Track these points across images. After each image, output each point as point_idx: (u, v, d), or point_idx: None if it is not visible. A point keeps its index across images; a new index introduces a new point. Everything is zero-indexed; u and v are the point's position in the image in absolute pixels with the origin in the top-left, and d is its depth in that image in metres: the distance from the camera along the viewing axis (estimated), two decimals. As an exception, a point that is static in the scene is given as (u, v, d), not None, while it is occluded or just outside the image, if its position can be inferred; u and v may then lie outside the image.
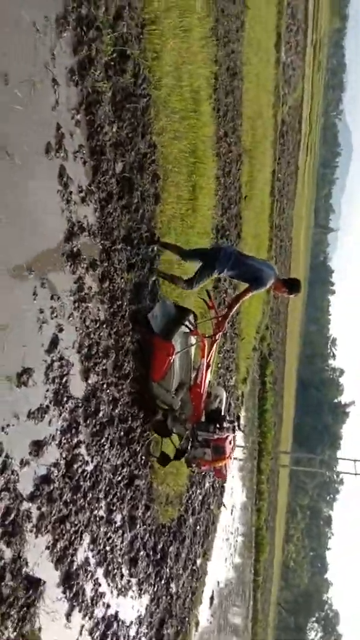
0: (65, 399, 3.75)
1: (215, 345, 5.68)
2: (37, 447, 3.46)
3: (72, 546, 4.13)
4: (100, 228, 4.10)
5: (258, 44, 13.24)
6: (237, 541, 16.77)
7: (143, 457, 5.62)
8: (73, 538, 4.14)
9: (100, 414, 4.40)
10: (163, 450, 5.78)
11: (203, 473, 8.53)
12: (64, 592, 4.13)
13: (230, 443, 5.70)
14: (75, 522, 4.14)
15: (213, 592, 12.27)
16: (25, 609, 3.42)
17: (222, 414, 5.75)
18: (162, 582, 6.95)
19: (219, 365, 10.31)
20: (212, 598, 12.10)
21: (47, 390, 3.56)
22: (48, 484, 3.62)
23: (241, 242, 11.69)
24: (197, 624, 10.16)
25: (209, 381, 5.76)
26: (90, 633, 4.72)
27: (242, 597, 19.81)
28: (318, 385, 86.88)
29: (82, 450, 4.19)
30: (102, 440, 4.53)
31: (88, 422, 4.22)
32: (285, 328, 35.36)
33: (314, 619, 67.21)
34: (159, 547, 6.68)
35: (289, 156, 24.44)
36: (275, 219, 19.49)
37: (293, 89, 23.29)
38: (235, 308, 5.57)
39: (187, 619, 8.77)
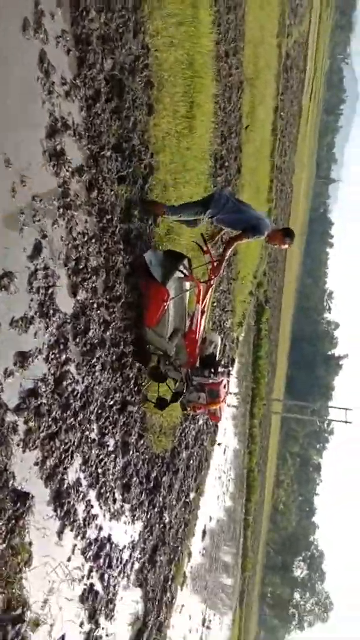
0: (51, 311, 3.55)
1: (210, 290, 5.54)
2: (22, 358, 3.29)
3: (62, 465, 4.05)
4: (87, 130, 3.77)
5: None
6: (229, 480, 17.17)
7: (136, 384, 5.51)
8: (63, 457, 4.05)
9: (91, 334, 4.22)
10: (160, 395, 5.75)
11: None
12: (55, 510, 4.08)
13: (224, 387, 5.78)
14: (66, 441, 4.04)
15: (205, 526, 12.60)
16: (13, 521, 3.35)
17: (217, 359, 5.77)
18: (155, 510, 7.02)
19: (215, 304, 10.12)
20: (204, 532, 12.45)
21: (32, 300, 3.35)
22: (35, 397, 3.48)
23: (240, 178, 11.26)
24: (189, 554, 10.46)
25: (204, 327, 5.70)
26: (83, 553, 4.74)
27: (232, 535, 20.52)
28: (312, 338, 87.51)
29: (72, 368, 4.03)
30: (93, 361, 4.37)
31: (77, 340, 4.05)
32: (282, 278, 35.09)
33: (300, 558, 70.56)
34: (152, 476, 6.70)
35: (292, 95, 23.40)
36: (276, 160, 18.84)
37: (299, 21, 22.00)
38: (229, 252, 5.31)
39: (179, 548, 9.00)
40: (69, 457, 4.16)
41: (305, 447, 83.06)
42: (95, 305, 4.29)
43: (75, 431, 4.22)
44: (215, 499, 14.43)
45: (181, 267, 5.26)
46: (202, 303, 5.48)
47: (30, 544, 3.65)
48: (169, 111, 5.44)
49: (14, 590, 3.40)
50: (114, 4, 3.96)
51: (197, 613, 12.67)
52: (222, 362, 6.00)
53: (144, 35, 4.57)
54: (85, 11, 3.52)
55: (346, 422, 34.34)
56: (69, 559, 4.43)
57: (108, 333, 4.68)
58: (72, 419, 4.12)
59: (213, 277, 5.42)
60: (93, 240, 4.10)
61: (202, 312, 5.51)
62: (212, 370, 5.61)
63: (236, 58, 9.15)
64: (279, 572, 65.55)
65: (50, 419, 3.74)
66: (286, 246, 5.44)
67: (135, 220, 4.94)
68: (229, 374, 5.92)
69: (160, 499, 7.24)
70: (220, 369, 5.72)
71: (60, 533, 4.19)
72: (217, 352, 5.88)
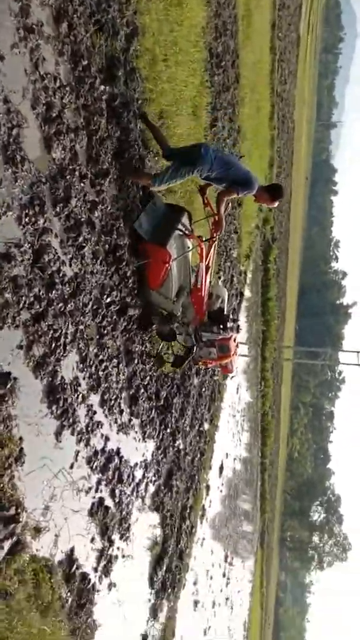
0: (19, 158, 2.93)
1: (213, 246, 5.25)
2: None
3: (53, 355, 3.53)
4: None
5: None
6: (243, 420, 16.90)
7: (135, 287, 4.95)
8: (54, 347, 3.53)
9: (74, 205, 3.62)
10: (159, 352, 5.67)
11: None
12: (50, 408, 3.59)
13: (234, 341, 5.66)
14: (55, 328, 3.51)
15: (222, 462, 12.35)
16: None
17: (225, 313, 5.65)
18: (168, 431, 6.60)
19: (221, 241, 9.41)
20: (221, 468, 12.19)
21: (-7, 137, 2.73)
22: (8, 262, 2.91)
23: (240, 90, 10.34)
24: (207, 488, 10.19)
25: (210, 282, 5.48)
26: (89, 462, 4.29)
27: (250, 478, 20.47)
28: (320, 288, 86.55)
29: (54, 243, 3.46)
30: (80, 242, 3.79)
31: (58, 209, 3.45)
32: (287, 222, 33.99)
33: (317, 502, 71.93)
34: (162, 394, 6.23)
35: (288, 17, 21.83)
36: (276, 85, 17.66)
37: None
38: (222, 208, 4.84)
39: (197, 477, 8.67)
40: (62, 348, 3.63)
41: (318, 396, 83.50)
42: (77, 174, 3.67)
43: (67, 320, 3.68)
44: (230, 437, 14.16)
45: (180, 226, 4.92)
46: (206, 260, 5.21)
47: (20, 439, 3.17)
48: None
49: (2, 486, 2.93)
50: None
51: (219, 549, 12.59)
52: (230, 316, 5.61)
53: None
54: None
55: (358, 364, 33.91)
56: (71, 466, 3.99)
57: (96, 215, 4.07)
58: (61, 305, 3.57)
59: (215, 233, 5.09)
60: (67, 90, 3.43)
61: (207, 268, 5.26)
62: (221, 325, 5.48)
63: None
64: (297, 517, 66.99)
65: (31, 296, 3.18)
66: (275, 205, 5.20)
67: (120, 84, 4.24)
68: (237, 329, 5.64)
69: (173, 421, 6.81)
70: (229, 324, 5.58)
71: (58, 434, 3.72)
72: (225, 306, 5.74)
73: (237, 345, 5.80)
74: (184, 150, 4.93)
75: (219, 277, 10.03)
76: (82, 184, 3.78)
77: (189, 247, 5.18)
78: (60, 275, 3.55)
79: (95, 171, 3.99)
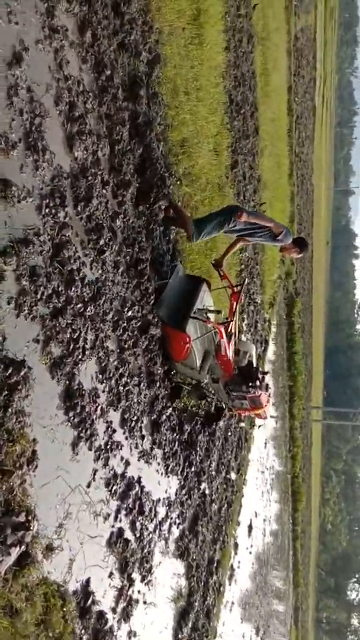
0: (40, 147, 2.93)
1: (232, 325, 5.21)
2: (3, 186, 2.67)
3: (71, 357, 3.36)
4: None
5: None
6: (272, 480, 16.06)
7: (154, 306, 4.82)
8: (73, 348, 3.37)
9: (95, 207, 3.59)
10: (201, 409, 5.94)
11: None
12: (66, 415, 3.38)
13: (266, 392, 5.76)
14: (74, 329, 3.37)
15: (251, 521, 11.62)
16: (6, 392, 2.66)
17: (255, 366, 5.69)
18: (192, 470, 6.21)
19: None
20: (250, 527, 11.45)
21: (13, 121, 2.74)
22: (26, 246, 2.83)
23: (259, 141, 10.67)
24: (236, 546, 9.51)
25: (235, 342, 5.50)
26: (107, 485, 4.00)
27: (280, 547, 19.14)
28: (346, 350, 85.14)
29: (75, 242, 3.40)
30: (102, 246, 3.73)
31: (79, 209, 3.42)
32: (310, 279, 34.04)
33: (354, 579, 66.65)
34: (185, 429, 5.92)
35: (304, 86, 23.00)
36: (294, 145, 18.28)
37: (305, 12, 21.77)
38: (238, 246, 5.14)
39: (224, 529, 8.08)
40: (81, 353, 3.48)
41: (350, 463, 79.71)
42: (99, 179, 3.67)
43: (86, 324, 3.55)
44: (259, 495, 13.40)
45: (197, 313, 4.93)
46: (228, 333, 5.17)
47: (34, 440, 2.95)
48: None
49: (12, 486, 2.68)
50: None
51: (249, 618, 11.54)
52: (260, 369, 5.75)
53: None
54: None
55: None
56: (88, 485, 3.70)
57: (118, 224, 4.04)
58: (80, 306, 3.46)
59: (234, 303, 5.16)
60: (90, 95, 3.51)
61: (230, 336, 5.24)
62: (250, 383, 5.51)
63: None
64: (332, 596, 61.95)
65: (50, 289, 3.08)
66: (300, 256, 5.39)
67: (142, 104, 4.35)
68: (267, 388, 5.79)
69: (197, 460, 6.43)
70: (258, 380, 5.57)
71: (75, 445, 3.48)
72: (254, 360, 5.79)
73: (269, 395, 5.91)
74: (217, 212, 5.05)
75: (243, 320, 9.89)
76: (104, 190, 3.78)
77: (209, 329, 5.17)
78: (80, 275, 3.46)
79: (117, 181, 4.00)
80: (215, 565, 7.45)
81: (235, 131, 8.33)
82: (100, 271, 3.75)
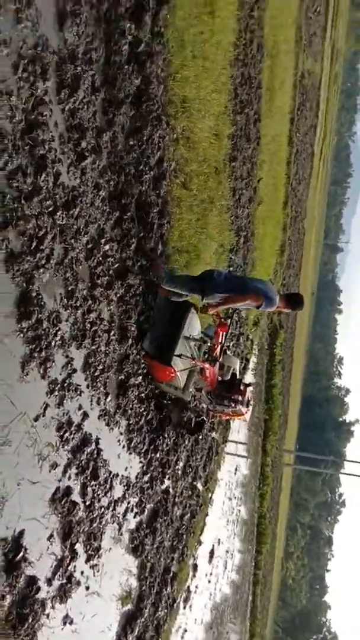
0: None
1: (217, 350, 5.16)
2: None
3: (32, 257, 2.91)
4: None
5: None
6: (239, 511, 15.30)
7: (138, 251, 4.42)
8: (35, 247, 2.92)
9: (80, 102, 3.25)
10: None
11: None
12: (18, 323, 2.90)
13: (247, 409, 5.81)
14: (40, 225, 2.94)
15: (213, 547, 10.86)
16: None
17: (238, 377, 5.75)
18: (157, 457, 5.65)
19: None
20: (211, 553, 10.68)
21: None
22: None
23: (259, 152, 10.60)
24: (195, 567, 8.77)
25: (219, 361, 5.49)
26: (59, 429, 3.46)
27: (239, 590, 18.10)
28: (322, 403, 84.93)
29: (54, 131, 3.01)
30: (83, 151, 3.35)
31: (62, 95, 3.06)
32: (294, 323, 34.02)
33: (312, 641, 63.99)
34: (153, 409, 5.39)
35: (304, 127, 23.55)
36: (292, 178, 18.45)
37: (313, 55, 22.52)
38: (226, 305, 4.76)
39: (185, 541, 7.40)
40: (44, 259, 3.03)
41: (316, 518, 78.04)
42: (89, 76, 3.33)
43: (54, 229, 3.12)
44: (224, 522, 12.65)
45: (183, 343, 4.92)
46: (213, 357, 5.18)
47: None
48: None
49: None
50: None
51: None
52: (243, 381, 5.70)
53: None
54: None
55: (362, 476, 31.81)
56: (36, 418, 3.17)
57: (105, 140, 3.67)
58: (50, 204, 3.03)
59: (222, 333, 5.04)
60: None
61: (215, 361, 5.21)
62: (232, 397, 5.51)
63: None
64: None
65: (15, 163, 2.66)
66: (295, 311, 5.50)
67: (146, 30, 4.07)
68: (248, 404, 5.75)
69: (164, 448, 5.87)
70: (241, 395, 5.54)
71: (25, 364, 2.97)
72: (237, 372, 5.84)
73: (249, 403, 5.86)
74: (193, 278, 4.81)
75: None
76: (93, 97, 3.43)
77: (193, 366, 5.17)
78: (55, 171, 3.05)
79: (110, 96, 3.67)
80: (171, 576, 6.75)
81: (237, 127, 8.19)
82: (78, 180, 3.36)
